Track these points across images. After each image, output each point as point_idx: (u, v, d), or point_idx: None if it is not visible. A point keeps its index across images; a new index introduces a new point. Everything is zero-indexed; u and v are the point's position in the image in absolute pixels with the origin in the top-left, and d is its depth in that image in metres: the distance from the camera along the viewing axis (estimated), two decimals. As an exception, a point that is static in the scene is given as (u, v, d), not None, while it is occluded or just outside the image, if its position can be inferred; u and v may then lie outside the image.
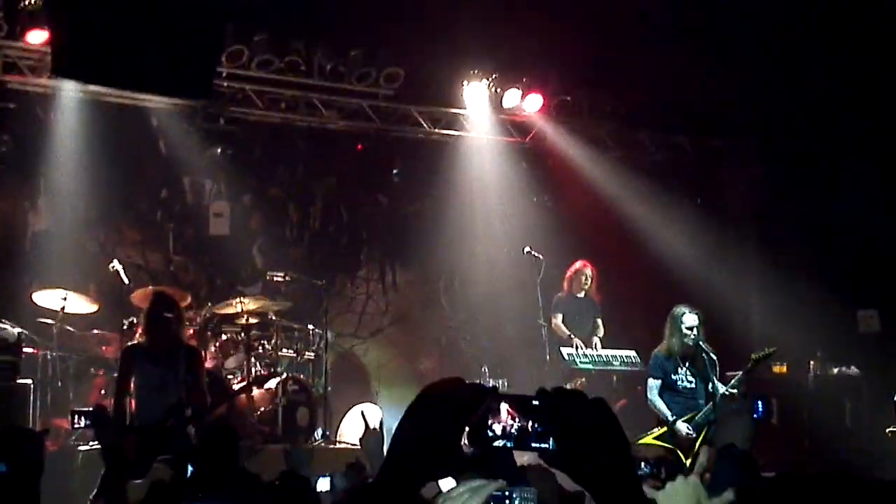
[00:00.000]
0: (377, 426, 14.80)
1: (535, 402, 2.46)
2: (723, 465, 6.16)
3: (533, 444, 2.45)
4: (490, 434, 2.45)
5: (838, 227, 16.79)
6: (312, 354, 14.99)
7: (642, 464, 6.40)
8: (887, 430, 13.77)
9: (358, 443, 13.46)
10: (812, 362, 15.72)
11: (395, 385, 17.21)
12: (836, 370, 15.70)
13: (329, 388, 14.84)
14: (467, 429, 2.43)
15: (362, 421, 13.61)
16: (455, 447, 2.40)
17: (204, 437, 9.22)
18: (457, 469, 2.45)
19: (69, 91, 14.92)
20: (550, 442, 2.43)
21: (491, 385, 15.25)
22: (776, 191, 18.06)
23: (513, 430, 2.46)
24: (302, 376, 14.37)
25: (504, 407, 2.46)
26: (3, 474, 4.98)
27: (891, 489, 3.10)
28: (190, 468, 8.29)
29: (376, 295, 18.23)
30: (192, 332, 13.32)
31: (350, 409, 15.05)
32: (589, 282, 15.64)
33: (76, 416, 8.96)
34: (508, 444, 2.46)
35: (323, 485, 7.24)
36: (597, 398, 2.45)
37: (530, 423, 2.45)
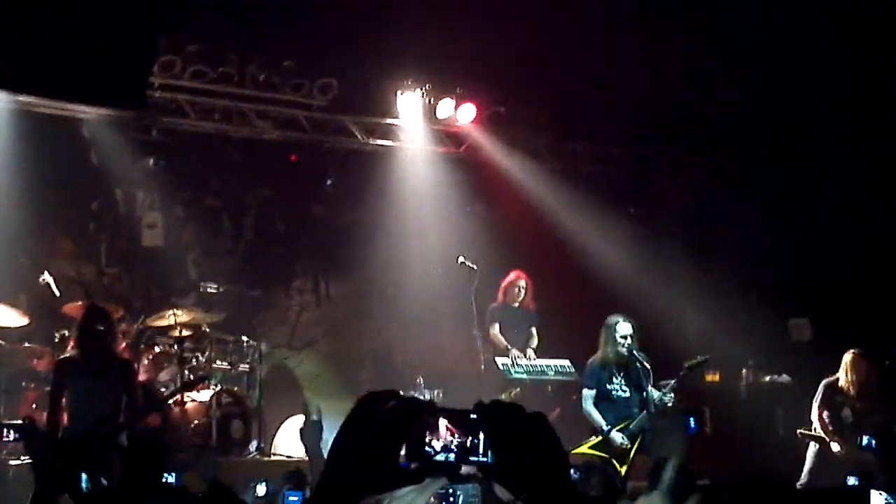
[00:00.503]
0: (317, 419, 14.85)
1: (473, 416, 2.46)
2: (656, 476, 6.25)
3: (472, 458, 2.44)
4: (430, 449, 2.45)
5: (770, 236, 16.95)
6: (246, 366, 14.92)
7: (571, 470, 6.44)
8: (798, 432, 14.00)
9: (298, 434, 13.48)
10: (745, 370, 15.88)
11: (330, 397, 17.17)
12: (768, 378, 15.87)
13: (263, 401, 14.77)
14: (404, 444, 2.43)
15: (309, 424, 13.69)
16: (393, 462, 2.39)
17: (130, 449, 9.16)
18: (395, 485, 2.44)
19: (0, 101, 14.77)
20: (489, 455, 2.44)
21: (427, 397, 15.32)
22: (709, 200, 18.22)
23: (452, 445, 2.46)
24: (236, 388, 14.32)
25: (442, 421, 2.46)
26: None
27: (815, 498, 3.15)
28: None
29: (310, 306, 18.17)
30: (124, 344, 13.21)
31: (284, 421, 15.03)
32: (524, 292, 15.71)
33: (5, 430, 8.90)
34: (449, 459, 2.46)
35: (260, 490, 7.22)
36: (535, 412, 2.46)
37: (469, 437, 2.45)
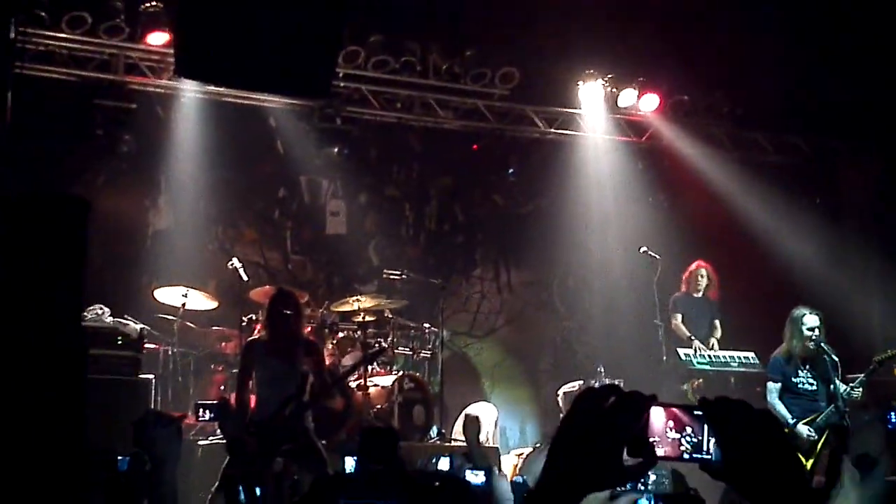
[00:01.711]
0: (485, 420, 14.93)
1: (698, 412, 2.42)
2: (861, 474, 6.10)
3: (695, 455, 2.40)
4: (652, 444, 2.42)
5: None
6: (428, 353, 15.07)
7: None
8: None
9: (461, 429, 13.55)
10: (936, 365, 15.43)
11: (509, 385, 17.23)
12: (959, 372, 15.39)
13: (444, 387, 14.88)
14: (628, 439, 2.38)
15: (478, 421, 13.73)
16: (617, 459, 2.37)
17: (365, 437, 9.29)
18: (619, 482, 2.41)
19: (189, 91, 15.13)
20: (714, 453, 2.40)
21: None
22: (894, 189, 17.78)
23: (673, 441, 2.41)
24: (418, 374, 14.44)
25: (661, 415, 2.45)
26: (123, 472, 5.04)
27: None
28: (352, 465, 8.36)
29: (491, 294, 18.24)
30: (309, 329, 13.42)
31: (465, 407, 15.13)
32: (706, 282, 15.53)
33: (201, 409, 9.12)
34: (684, 456, 2.41)
35: (443, 464, 7.26)
36: (763, 410, 2.40)
37: (690, 433, 2.42)
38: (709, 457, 2.37)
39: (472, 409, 14.95)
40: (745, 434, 2.34)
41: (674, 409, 2.41)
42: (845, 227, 18.36)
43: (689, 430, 2.40)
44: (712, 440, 2.38)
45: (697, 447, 2.39)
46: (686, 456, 2.40)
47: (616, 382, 14.59)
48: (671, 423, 2.40)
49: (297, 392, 10.58)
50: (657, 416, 2.39)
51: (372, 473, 7.57)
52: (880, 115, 17.25)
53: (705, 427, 2.38)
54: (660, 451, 2.39)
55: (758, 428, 2.35)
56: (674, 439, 2.39)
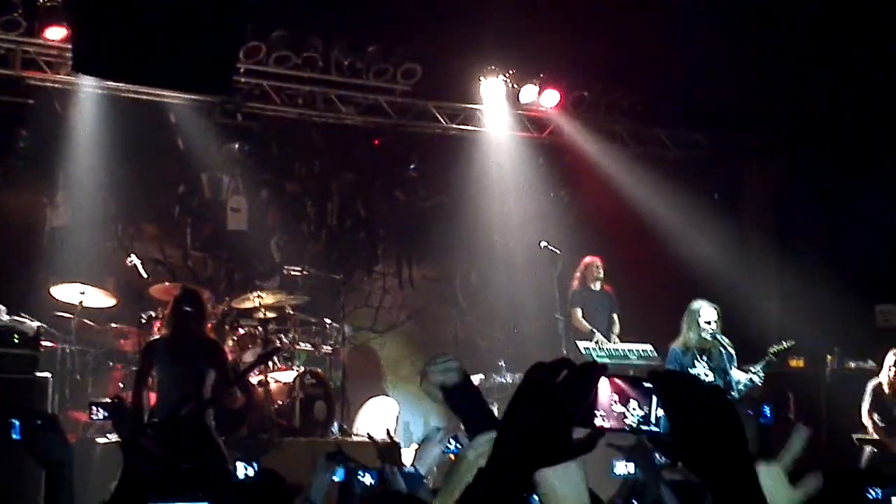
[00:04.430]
0: (394, 418, 14.96)
1: (647, 385, 2.39)
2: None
3: (643, 428, 2.37)
4: (599, 417, 2.38)
5: (857, 221, 16.76)
6: (329, 348, 15.04)
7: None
8: (854, 438, 13.72)
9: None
10: (829, 357, 15.67)
11: (412, 380, 17.25)
12: (853, 364, 15.64)
13: (346, 382, 14.88)
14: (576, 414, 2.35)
15: (389, 411, 13.72)
16: (567, 434, 2.32)
17: (177, 435, 9.25)
18: (568, 456, 2.38)
19: (88, 87, 14.96)
20: (661, 425, 2.37)
21: (509, 381, 15.36)
22: (794, 186, 18.06)
23: (619, 413, 2.40)
24: (319, 370, 14.41)
25: (606, 387, 2.41)
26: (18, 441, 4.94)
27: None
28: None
29: (393, 290, 18.25)
30: (210, 326, 13.35)
31: (366, 402, 15.15)
32: (602, 274, 15.64)
33: (94, 408, 9.02)
34: (622, 428, 2.39)
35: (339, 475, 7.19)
36: (714, 385, 2.39)
37: (636, 406, 2.43)
38: (656, 429, 2.36)
39: (373, 404, 15.00)
40: (693, 407, 2.34)
41: (619, 382, 2.39)
42: (744, 223, 18.64)
43: (634, 402, 2.38)
44: (660, 412, 2.37)
45: (644, 419, 2.37)
46: (629, 428, 2.38)
47: (517, 377, 14.70)
48: (616, 396, 2.37)
49: (195, 392, 10.53)
50: (603, 389, 2.37)
51: (181, 472, 7.48)
52: (780, 111, 17.50)
53: (653, 399, 2.36)
54: (605, 424, 2.37)
55: (706, 401, 2.35)
56: (619, 412, 2.38)
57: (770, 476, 2.87)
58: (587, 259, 15.75)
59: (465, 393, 4.07)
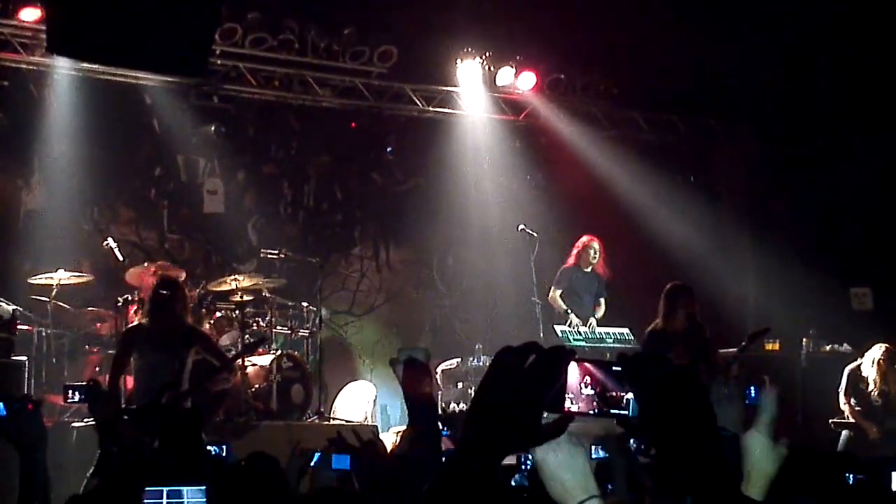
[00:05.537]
0: (371, 402, 14.95)
1: (617, 368, 2.41)
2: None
3: (612, 411, 2.40)
4: (569, 400, 2.41)
5: (832, 204, 16.83)
6: (307, 332, 14.98)
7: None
8: (830, 422, 13.79)
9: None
10: (805, 340, 15.72)
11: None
12: (828, 347, 15.70)
13: (323, 366, 14.86)
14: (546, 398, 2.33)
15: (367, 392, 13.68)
16: (537, 418, 2.33)
17: (167, 418, 9.22)
18: (539, 440, 2.37)
19: (63, 68, 14.91)
20: (631, 408, 2.39)
21: (485, 364, 15.39)
22: (770, 169, 18.12)
23: (588, 396, 2.40)
24: (296, 353, 14.38)
25: (575, 371, 2.42)
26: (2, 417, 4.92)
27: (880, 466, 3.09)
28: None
29: (370, 273, 18.20)
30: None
31: (344, 386, 15.13)
32: (597, 256, 15.43)
33: (69, 391, 8.97)
34: (592, 411, 2.39)
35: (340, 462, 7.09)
36: (683, 366, 2.39)
37: (604, 389, 2.41)
38: (625, 412, 2.37)
39: (351, 388, 15.00)
40: (663, 389, 2.34)
41: (587, 365, 2.42)
42: (720, 205, 18.70)
43: (603, 386, 2.39)
44: (630, 395, 2.38)
45: (613, 403, 2.38)
46: (599, 412, 2.40)
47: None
48: (586, 379, 2.38)
49: (174, 380, 10.50)
50: (572, 373, 2.39)
51: (172, 457, 7.44)
52: (756, 94, 17.53)
53: (622, 383, 2.38)
54: (574, 407, 2.38)
55: (675, 383, 2.36)
56: (588, 395, 2.38)
57: (757, 445, 2.90)
58: (585, 238, 15.37)
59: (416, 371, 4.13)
